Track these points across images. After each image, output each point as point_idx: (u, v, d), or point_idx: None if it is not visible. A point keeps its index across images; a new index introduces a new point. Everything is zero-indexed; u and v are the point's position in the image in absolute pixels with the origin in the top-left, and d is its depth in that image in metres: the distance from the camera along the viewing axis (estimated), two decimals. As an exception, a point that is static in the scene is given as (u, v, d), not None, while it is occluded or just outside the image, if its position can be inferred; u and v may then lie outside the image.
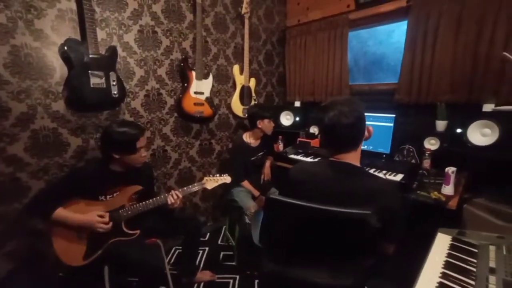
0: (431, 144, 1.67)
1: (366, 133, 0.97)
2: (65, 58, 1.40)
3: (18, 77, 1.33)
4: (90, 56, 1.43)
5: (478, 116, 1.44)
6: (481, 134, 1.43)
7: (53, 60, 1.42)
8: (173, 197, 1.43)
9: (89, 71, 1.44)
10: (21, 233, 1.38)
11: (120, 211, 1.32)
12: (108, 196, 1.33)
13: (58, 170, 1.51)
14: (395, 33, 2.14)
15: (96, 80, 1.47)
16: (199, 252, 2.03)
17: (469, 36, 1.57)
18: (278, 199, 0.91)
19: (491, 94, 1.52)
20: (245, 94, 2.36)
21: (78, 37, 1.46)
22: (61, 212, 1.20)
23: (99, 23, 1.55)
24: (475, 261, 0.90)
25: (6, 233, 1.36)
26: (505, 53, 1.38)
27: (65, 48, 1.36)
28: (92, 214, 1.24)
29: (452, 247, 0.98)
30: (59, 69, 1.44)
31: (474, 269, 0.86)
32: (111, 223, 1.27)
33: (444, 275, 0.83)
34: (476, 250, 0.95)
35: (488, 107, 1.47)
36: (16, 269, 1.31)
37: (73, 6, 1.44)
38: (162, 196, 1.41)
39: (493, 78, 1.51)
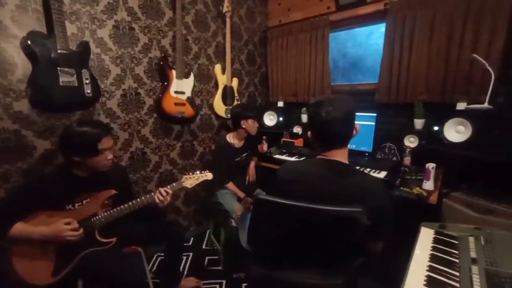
0: (410, 141, 1.73)
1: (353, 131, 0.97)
2: (29, 53, 1.27)
3: (-28, 73, 1.19)
4: (59, 51, 1.31)
5: (452, 114, 1.52)
6: (455, 131, 1.51)
7: (14, 54, 1.28)
8: (162, 195, 1.31)
9: (58, 68, 1.31)
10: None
11: (92, 219, 1.21)
12: (76, 205, 1.20)
13: (22, 177, 1.36)
14: (374, 35, 2.21)
15: (66, 78, 1.34)
16: (183, 259, 1.94)
17: (441, 40, 1.66)
18: (267, 199, 0.89)
19: (462, 94, 1.61)
20: (227, 94, 2.31)
21: (44, 30, 1.33)
22: (20, 227, 1.06)
23: (69, 16, 1.43)
24: (457, 252, 0.93)
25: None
26: (474, 55, 1.47)
27: (29, 42, 1.23)
28: (58, 224, 1.10)
29: (435, 240, 1.01)
30: (21, 65, 1.30)
31: (458, 261, 0.89)
32: (81, 230, 1.15)
33: (431, 268, 0.85)
34: (457, 242, 0.99)
35: (461, 106, 1.55)
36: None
37: (38, -5, 1.31)
38: (148, 196, 1.30)
39: (463, 80, 1.60)
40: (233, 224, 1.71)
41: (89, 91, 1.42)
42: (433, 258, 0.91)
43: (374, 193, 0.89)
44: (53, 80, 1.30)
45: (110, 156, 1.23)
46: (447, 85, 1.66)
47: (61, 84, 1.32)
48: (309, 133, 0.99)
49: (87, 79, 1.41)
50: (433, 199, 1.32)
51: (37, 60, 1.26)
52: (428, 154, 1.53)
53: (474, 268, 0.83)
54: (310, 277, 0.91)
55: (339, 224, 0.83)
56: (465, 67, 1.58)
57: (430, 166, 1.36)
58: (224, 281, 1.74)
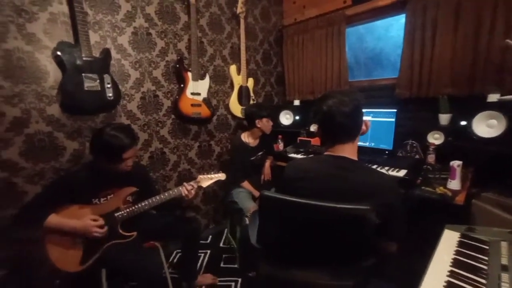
0: (435, 138, 1.61)
1: (363, 127, 0.93)
2: (58, 61, 1.40)
3: (11, 81, 1.32)
4: (84, 59, 1.43)
5: (483, 107, 1.39)
6: (486, 126, 1.38)
7: (46, 63, 1.41)
8: (187, 188, 1.39)
9: (83, 74, 1.43)
10: (16, 240, 1.35)
11: (115, 214, 1.30)
12: (102, 199, 1.30)
13: (54, 175, 1.49)
14: (393, 28, 2.10)
15: (90, 83, 1.45)
16: (200, 256, 2.00)
17: (468, 27, 1.53)
18: (273, 196, 0.88)
19: (494, 84, 1.47)
20: (243, 95, 2.34)
21: (71, 40, 1.46)
22: (53, 219, 1.17)
23: (92, 26, 1.54)
24: (486, 258, 0.85)
25: (1, 239, 1.34)
26: (508, 40, 1.33)
27: (58, 52, 1.36)
28: (86, 219, 1.21)
29: (460, 244, 0.93)
30: (52, 73, 1.43)
31: (485, 267, 0.81)
32: (106, 228, 1.24)
33: (452, 273, 0.79)
34: (486, 247, 0.91)
35: (493, 98, 1.41)
36: (11, 275, 1.28)
37: (65, 9, 1.43)
38: (175, 191, 1.38)
39: (495, 69, 1.46)
40: (246, 222, 1.71)
41: (110, 95, 1.52)
42: (456, 263, 0.84)
43: (383, 190, 0.85)
44: (78, 85, 1.42)
45: (131, 163, 1.32)
46: (476, 75, 1.52)
47: (85, 88, 1.44)
48: (316, 127, 0.97)
49: (108, 83, 1.51)
50: (460, 199, 1.21)
51: (65, 67, 1.38)
52: (455, 152, 1.41)
53: (504, 276, 0.75)
54: (319, 277, 0.88)
55: (346, 222, 0.80)
56: (497, 54, 1.43)
57: (455, 163, 1.25)
58: (239, 280, 1.76)
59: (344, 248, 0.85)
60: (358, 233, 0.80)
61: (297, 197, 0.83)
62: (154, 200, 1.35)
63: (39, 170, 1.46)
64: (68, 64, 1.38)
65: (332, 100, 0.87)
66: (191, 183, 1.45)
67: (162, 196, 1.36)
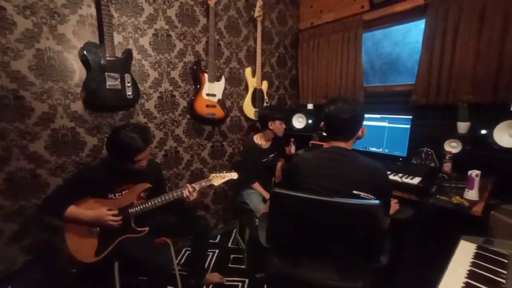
0: (452, 146, 1.57)
1: (359, 133, 1.07)
2: (84, 60, 1.47)
3: (41, 78, 1.41)
4: (107, 58, 1.49)
5: (505, 116, 1.35)
6: (509, 135, 1.33)
7: (73, 62, 1.49)
8: (189, 189, 1.42)
9: (106, 73, 1.50)
10: (38, 229, 1.43)
11: (129, 209, 1.34)
12: (117, 194, 1.35)
13: (75, 168, 1.56)
14: (412, 33, 2.07)
15: (111, 82, 1.52)
16: (209, 254, 2.02)
17: (494, 32, 1.48)
18: (282, 193, 0.90)
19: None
20: (257, 97, 2.36)
21: (96, 40, 1.53)
22: (72, 210, 1.24)
23: (116, 28, 1.61)
24: (504, 272, 0.82)
25: (25, 227, 1.42)
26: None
27: (84, 52, 1.43)
28: (101, 209, 1.27)
29: (477, 256, 0.91)
30: (78, 71, 1.51)
31: (504, 281, 0.78)
32: (121, 217, 1.30)
33: (468, 286, 0.76)
34: (506, 260, 0.87)
35: (517, 106, 1.37)
36: (33, 261, 1.36)
37: (93, 12, 1.52)
38: (178, 191, 1.42)
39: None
40: (257, 223, 1.72)
41: (130, 93, 1.59)
42: (472, 275, 0.81)
43: (376, 170, 0.99)
44: (101, 84, 1.49)
45: (144, 163, 1.36)
46: (500, 82, 1.48)
47: (107, 87, 1.50)
48: (322, 124, 1.14)
49: (129, 82, 1.57)
50: (477, 210, 1.18)
51: (90, 66, 1.46)
52: (473, 161, 1.36)
53: (525, 291, 0.72)
54: (327, 277, 0.88)
55: (353, 217, 0.81)
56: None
57: (474, 173, 1.22)
58: (246, 280, 1.77)
59: (352, 244, 0.86)
60: (366, 227, 0.81)
61: (300, 183, 0.95)
62: (164, 198, 1.39)
63: (61, 163, 1.53)
64: (93, 63, 1.45)
65: (335, 106, 1.03)
66: (203, 182, 1.48)
67: (170, 195, 1.40)
